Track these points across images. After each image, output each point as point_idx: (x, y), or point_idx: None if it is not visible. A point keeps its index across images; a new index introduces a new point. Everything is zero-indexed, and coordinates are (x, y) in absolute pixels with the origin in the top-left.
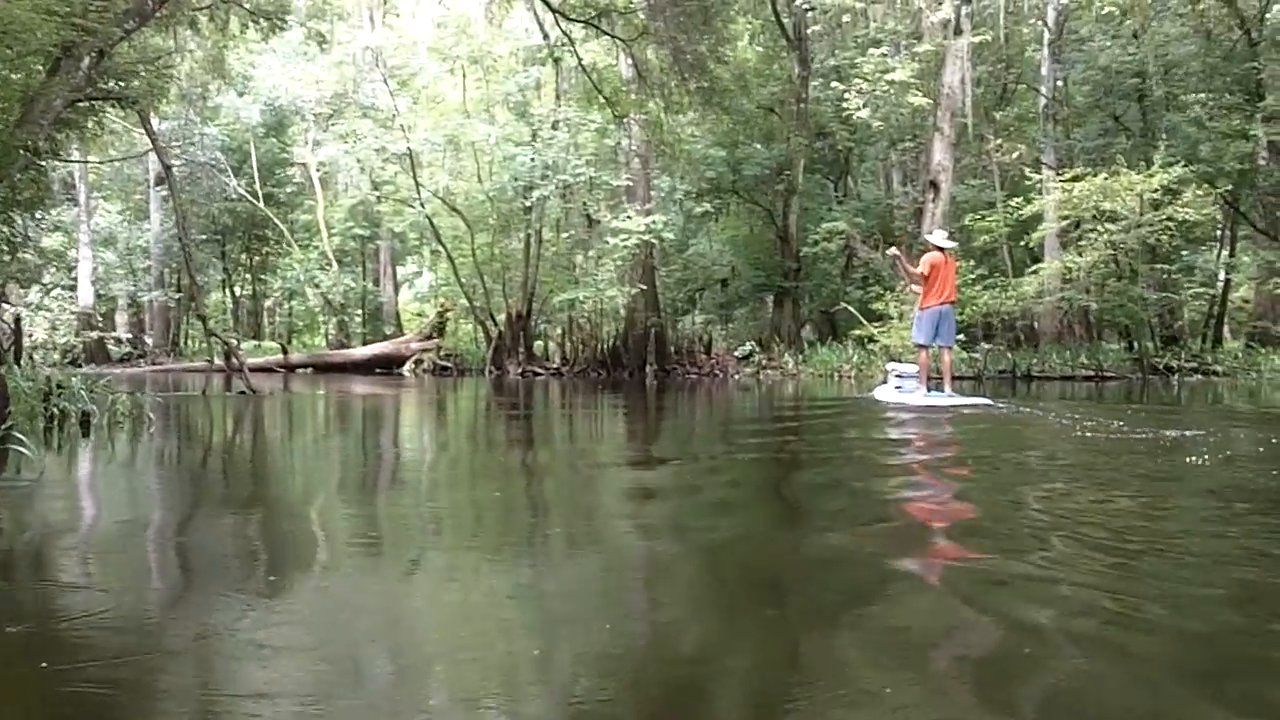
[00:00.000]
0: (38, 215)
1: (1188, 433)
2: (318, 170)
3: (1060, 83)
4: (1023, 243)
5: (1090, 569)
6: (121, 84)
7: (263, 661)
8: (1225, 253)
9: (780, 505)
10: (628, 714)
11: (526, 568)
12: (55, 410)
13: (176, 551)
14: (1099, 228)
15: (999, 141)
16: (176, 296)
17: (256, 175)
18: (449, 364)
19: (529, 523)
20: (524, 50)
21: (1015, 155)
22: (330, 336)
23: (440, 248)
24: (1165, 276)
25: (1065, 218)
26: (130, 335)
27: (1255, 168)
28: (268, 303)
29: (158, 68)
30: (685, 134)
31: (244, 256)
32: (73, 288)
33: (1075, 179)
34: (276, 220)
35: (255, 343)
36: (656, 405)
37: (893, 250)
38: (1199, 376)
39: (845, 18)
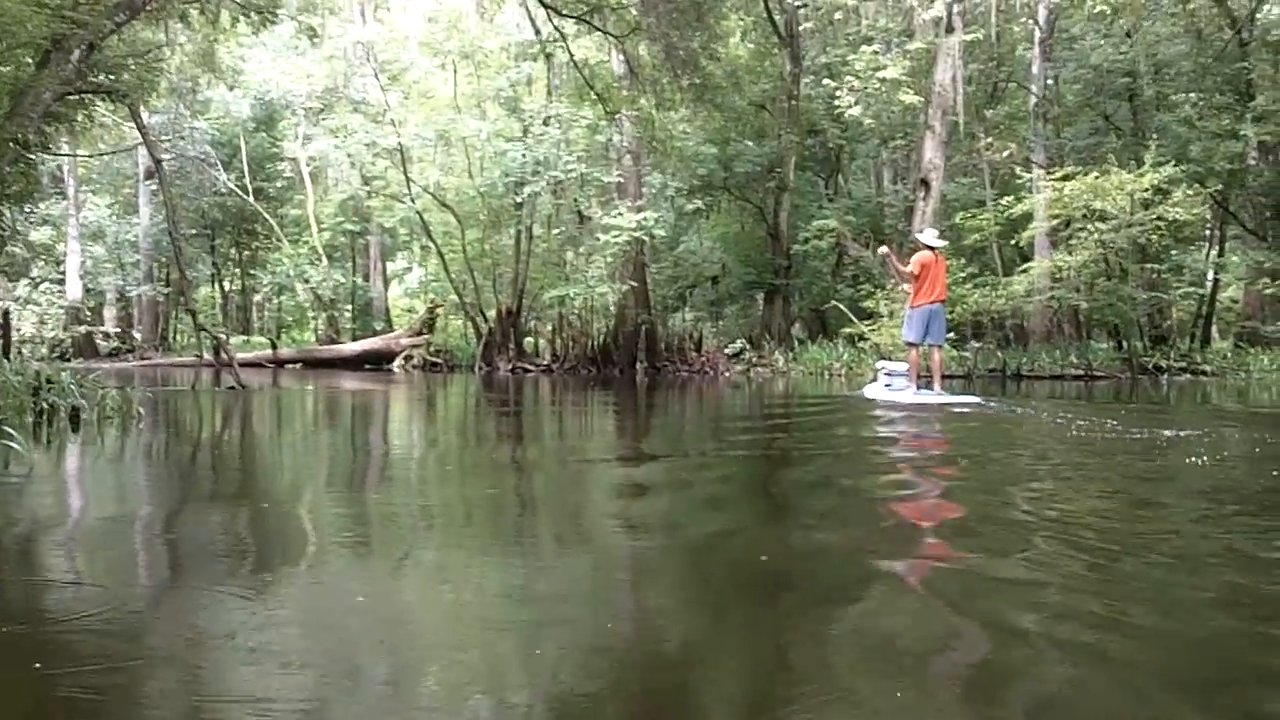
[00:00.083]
0: (26, 209)
1: (1182, 432)
2: (308, 165)
3: (1051, 81)
4: (1013, 241)
5: (1078, 571)
6: (111, 77)
7: (254, 664)
8: (1214, 252)
9: (768, 503)
10: (615, 712)
11: (517, 565)
12: (45, 405)
13: (168, 548)
14: (1089, 227)
15: (989, 140)
16: (165, 291)
17: (246, 170)
18: (439, 360)
19: (519, 519)
20: (515, 46)
21: (1006, 154)
22: (320, 332)
23: (430, 243)
24: (1155, 276)
25: (1056, 217)
26: (119, 330)
27: (1245, 168)
28: (257, 298)
29: (148, 61)
30: (677, 130)
31: (233, 251)
32: (61, 282)
33: (1066, 178)
34: (266, 215)
35: (244, 338)
36: (647, 402)
37: (883, 249)
38: (1188, 376)
39: (837, 15)
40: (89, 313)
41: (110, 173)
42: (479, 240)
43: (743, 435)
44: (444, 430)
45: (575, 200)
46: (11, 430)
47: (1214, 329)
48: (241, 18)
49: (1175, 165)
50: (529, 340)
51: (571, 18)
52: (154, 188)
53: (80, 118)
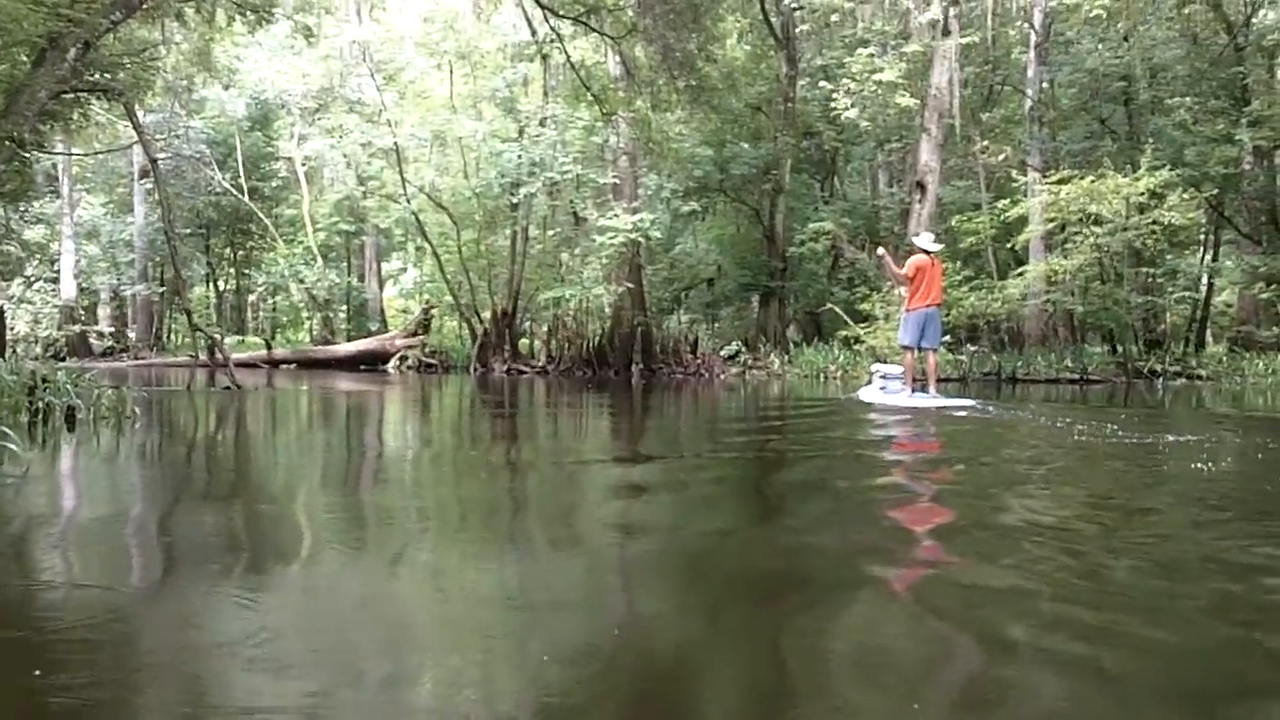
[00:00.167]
0: (21, 207)
1: (1184, 437)
2: (303, 165)
3: (1046, 85)
4: (1008, 245)
5: (1071, 579)
6: (107, 76)
7: (253, 671)
8: (1209, 257)
9: (761, 506)
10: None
11: (512, 566)
12: (40, 405)
13: (167, 550)
14: (1085, 230)
15: (985, 143)
16: (160, 290)
17: (241, 169)
18: (434, 361)
19: (514, 520)
20: (512, 46)
21: (1001, 157)
22: (314, 332)
23: (426, 244)
24: (1150, 280)
25: (1051, 220)
26: (113, 329)
27: (1240, 172)
28: (251, 298)
29: (143, 60)
30: (673, 132)
31: (228, 251)
32: (55, 281)
33: (1062, 181)
34: (261, 215)
35: (239, 338)
36: (642, 404)
37: (881, 250)
38: (1183, 381)
39: (833, 17)
40: (83, 312)
41: (105, 171)
42: (474, 241)
43: (738, 437)
44: (439, 431)
45: (571, 201)
46: (7, 430)
47: (1208, 333)
48: (237, 17)
49: (1170, 169)
50: (524, 342)
51: (568, 18)
52: (149, 187)
53: (75, 116)
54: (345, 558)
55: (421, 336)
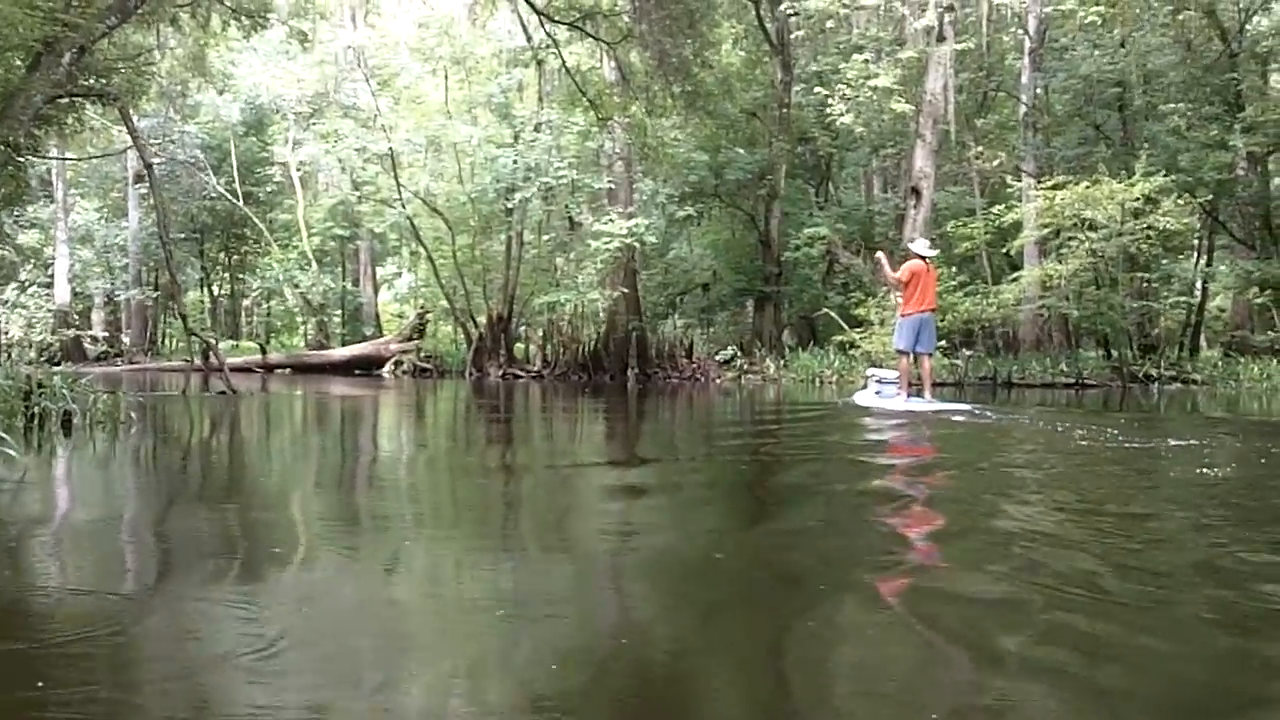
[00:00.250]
0: (14, 212)
1: (1184, 441)
2: (298, 169)
3: (1041, 91)
4: (1003, 250)
5: (1067, 584)
6: (102, 80)
7: (254, 678)
8: (1203, 262)
9: (755, 510)
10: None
11: (506, 568)
12: (36, 409)
13: (164, 555)
14: (1079, 236)
15: (980, 149)
16: (154, 295)
17: (236, 174)
18: (429, 366)
19: (508, 524)
20: (507, 52)
21: (996, 163)
22: (309, 337)
23: (421, 249)
24: (1144, 285)
25: (1046, 225)
26: (107, 334)
27: (1234, 178)
28: (246, 302)
29: (138, 65)
30: (668, 137)
31: (223, 255)
32: (49, 285)
33: (1057, 187)
34: (256, 219)
35: (233, 343)
36: (637, 409)
37: (879, 255)
38: (1178, 385)
39: (829, 23)
40: (77, 316)
41: (99, 176)
42: (469, 246)
43: (733, 441)
44: (433, 435)
45: (566, 206)
46: (3, 435)
47: (1202, 338)
48: (232, 22)
49: (1165, 175)
50: (519, 346)
51: (564, 24)
52: (143, 191)
53: (70, 121)
54: (341, 563)
55: (416, 341)
